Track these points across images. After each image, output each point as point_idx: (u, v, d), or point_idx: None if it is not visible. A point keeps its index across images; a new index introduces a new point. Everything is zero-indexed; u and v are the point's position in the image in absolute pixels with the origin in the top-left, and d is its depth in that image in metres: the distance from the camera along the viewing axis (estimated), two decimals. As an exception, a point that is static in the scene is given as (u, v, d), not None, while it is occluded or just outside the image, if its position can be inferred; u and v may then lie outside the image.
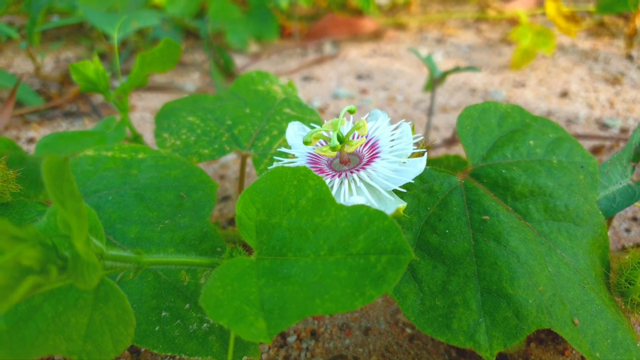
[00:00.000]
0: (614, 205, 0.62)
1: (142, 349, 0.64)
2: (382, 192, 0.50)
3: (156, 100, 1.44)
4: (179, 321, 0.53)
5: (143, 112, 1.37)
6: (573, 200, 0.58)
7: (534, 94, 1.46)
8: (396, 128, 0.58)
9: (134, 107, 1.38)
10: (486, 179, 0.59)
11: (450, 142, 1.12)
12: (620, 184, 0.66)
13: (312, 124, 0.62)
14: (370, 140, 0.57)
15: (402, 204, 0.50)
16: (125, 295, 0.50)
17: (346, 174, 0.53)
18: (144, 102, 1.42)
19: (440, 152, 1.13)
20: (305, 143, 0.54)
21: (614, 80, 1.52)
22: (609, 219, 0.65)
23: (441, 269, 0.52)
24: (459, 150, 1.13)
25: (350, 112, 0.56)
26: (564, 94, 1.44)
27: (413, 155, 0.55)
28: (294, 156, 0.59)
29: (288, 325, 0.41)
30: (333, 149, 0.51)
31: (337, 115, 1.36)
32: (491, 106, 0.66)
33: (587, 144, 1.16)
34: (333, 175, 0.53)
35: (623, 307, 0.58)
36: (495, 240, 0.53)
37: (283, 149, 0.60)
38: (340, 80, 1.60)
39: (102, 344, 0.42)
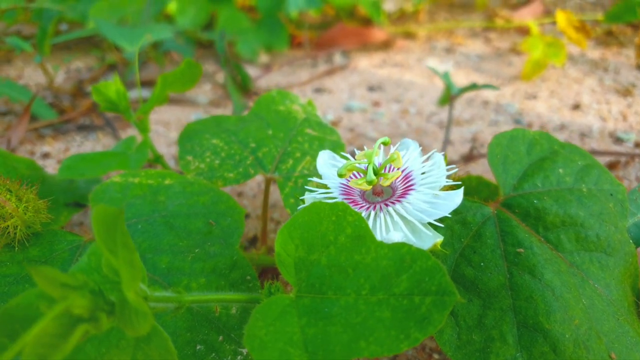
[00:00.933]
0: (643, 233, 0.62)
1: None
2: (419, 227, 0.50)
3: (169, 113, 1.44)
4: (213, 354, 0.53)
5: (156, 125, 1.37)
6: (604, 229, 0.58)
7: (546, 106, 1.46)
8: (428, 158, 0.58)
9: (147, 121, 1.38)
10: (518, 209, 0.59)
11: (467, 158, 1.12)
12: (649, 209, 0.66)
13: (342, 154, 0.62)
14: (403, 171, 0.57)
15: (440, 238, 0.50)
16: (162, 324, 0.50)
17: (381, 207, 0.53)
18: (157, 115, 1.43)
19: (458, 168, 1.13)
20: (340, 176, 0.54)
21: (625, 92, 1.52)
22: None
23: (477, 303, 0.52)
24: (477, 168, 1.13)
25: (385, 144, 0.56)
26: (576, 106, 1.45)
27: (446, 187, 0.55)
28: (325, 186, 0.59)
29: (333, 367, 0.41)
30: (369, 183, 0.51)
31: (352, 130, 1.36)
32: (519, 133, 0.66)
33: (603, 160, 1.16)
34: (367, 208, 0.53)
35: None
36: (530, 273, 0.53)
37: (315, 179, 0.60)
38: (352, 91, 1.60)
39: (146, 384, 0.42)
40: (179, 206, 0.66)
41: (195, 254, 0.61)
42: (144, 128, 0.87)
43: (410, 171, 0.56)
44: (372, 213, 0.52)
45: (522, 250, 0.54)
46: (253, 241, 0.92)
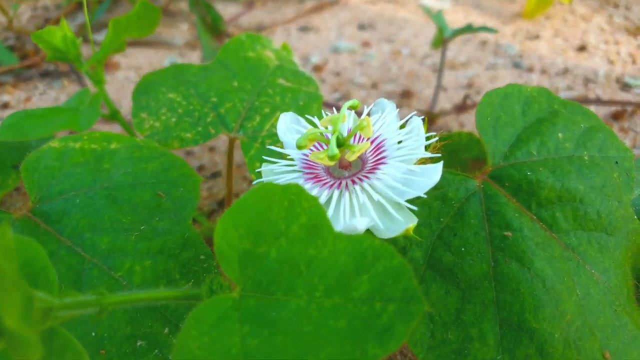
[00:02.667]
0: (650, 207, 0.55)
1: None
2: (389, 209, 0.43)
3: (142, 57, 1.33)
4: (156, 351, 0.47)
5: (127, 70, 1.27)
6: (606, 205, 0.51)
7: (549, 47, 1.35)
8: (405, 122, 0.50)
9: (116, 66, 1.28)
10: (508, 181, 0.51)
11: (460, 108, 1.03)
12: (657, 177, 0.58)
13: (307, 116, 0.53)
14: (375, 139, 0.48)
15: (413, 223, 0.43)
16: (93, 326, 0.44)
17: (347, 184, 0.45)
18: (128, 59, 1.32)
19: (450, 120, 1.04)
20: (299, 147, 0.45)
21: (636, 31, 1.40)
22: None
23: (455, 295, 0.45)
24: (470, 119, 1.04)
25: (353, 107, 0.48)
26: (582, 48, 1.33)
27: (426, 160, 0.47)
28: (286, 156, 0.51)
29: (276, 390, 0.35)
30: (332, 158, 0.43)
31: (338, 74, 1.26)
32: (514, 91, 0.57)
33: (608, 110, 1.07)
34: (332, 185, 0.45)
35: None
36: (518, 260, 0.46)
37: (273, 147, 0.51)
38: (340, 30, 1.47)
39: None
40: (125, 175, 0.58)
41: (141, 232, 0.54)
42: (97, 80, 0.77)
43: (383, 140, 0.48)
44: (336, 193, 0.45)
45: (509, 233, 0.47)
46: (222, 204, 0.85)
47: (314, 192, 0.45)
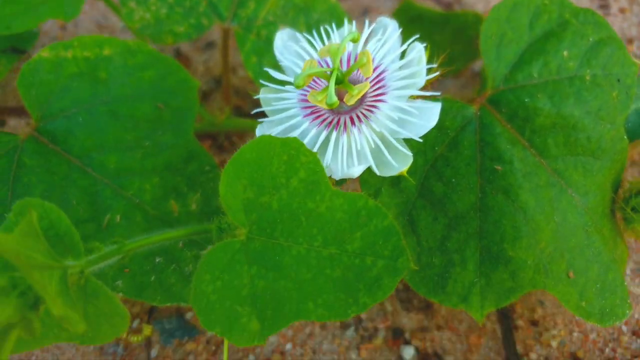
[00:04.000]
0: (642, 123, 0.56)
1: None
2: (387, 155, 0.44)
3: None
4: (174, 265, 0.53)
5: None
6: (598, 130, 0.52)
7: None
8: (407, 47, 0.48)
9: None
10: (505, 107, 0.51)
11: (470, -35, 0.95)
12: (658, 87, 0.58)
13: (304, 35, 0.51)
14: (375, 69, 0.47)
15: (408, 165, 0.45)
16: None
17: (345, 123, 0.46)
18: None
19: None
20: (297, 87, 0.45)
21: None
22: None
23: (442, 222, 0.50)
24: None
25: (354, 41, 0.46)
26: None
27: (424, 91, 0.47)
28: (283, 83, 0.50)
29: (281, 328, 0.41)
30: (330, 105, 0.43)
31: None
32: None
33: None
34: (330, 123, 0.46)
35: (623, 228, 0.57)
36: (505, 193, 0.49)
37: (270, 71, 0.50)
38: None
39: (101, 330, 0.43)
40: (122, 87, 0.58)
41: (146, 149, 0.56)
42: (75, -49, 0.71)
43: (384, 71, 0.47)
44: (334, 134, 0.46)
45: (500, 167, 0.49)
46: (219, 82, 0.84)
47: (313, 132, 0.46)
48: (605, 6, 0.94)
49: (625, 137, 0.54)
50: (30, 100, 0.56)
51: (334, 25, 0.51)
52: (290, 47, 0.51)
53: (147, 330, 0.60)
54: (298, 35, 0.51)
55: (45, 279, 0.34)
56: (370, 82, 0.47)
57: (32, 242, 0.35)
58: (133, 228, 0.54)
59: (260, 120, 0.48)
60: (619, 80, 0.54)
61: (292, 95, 0.48)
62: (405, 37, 0.79)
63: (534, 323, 0.61)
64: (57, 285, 0.35)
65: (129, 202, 0.54)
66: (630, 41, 0.89)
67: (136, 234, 0.53)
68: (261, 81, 0.51)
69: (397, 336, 0.60)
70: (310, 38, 0.50)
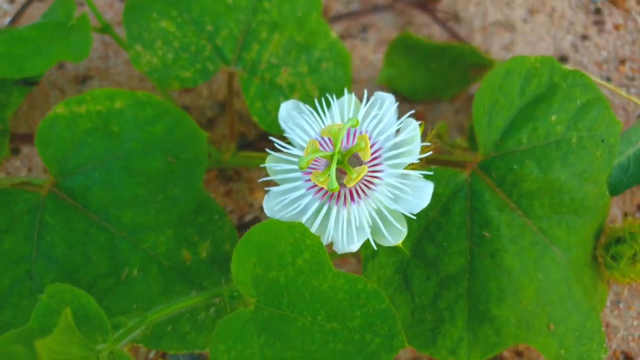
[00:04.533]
0: (624, 178, 0.60)
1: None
2: (386, 236, 0.48)
3: None
4: (187, 315, 0.58)
5: None
6: (582, 190, 0.56)
7: None
8: (400, 123, 0.51)
9: None
10: (495, 173, 0.55)
11: (469, -18, 0.96)
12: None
13: (309, 109, 0.54)
14: (372, 145, 0.51)
15: (401, 240, 0.49)
16: (134, 294, 0.54)
17: (344, 199, 0.50)
18: None
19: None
20: (301, 168, 0.48)
21: None
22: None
23: (434, 281, 0.54)
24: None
25: (353, 126, 0.49)
26: None
27: (414, 167, 0.51)
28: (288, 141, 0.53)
29: (289, 395, 0.46)
30: (331, 190, 0.47)
31: None
32: (517, 64, 0.56)
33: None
34: (331, 197, 0.50)
35: (603, 271, 0.62)
36: (491, 257, 0.53)
37: (276, 141, 0.53)
38: None
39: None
40: (135, 142, 0.61)
41: (159, 203, 0.60)
42: (80, -12, 0.72)
43: (379, 149, 0.50)
44: (335, 209, 0.49)
45: (488, 234, 0.53)
46: (223, 107, 0.87)
47: (316, 204, 0.50)
48: (599, 22, 0.95)
49: (607, 193, 0.58)
50: (48, 157, 0.60)
51: (334, 96, 0.54)
52: (295, 117, 0.54)
53: (163, 364, 0.65)
54: (301, 105, 0.54)
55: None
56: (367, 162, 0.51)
57: (69, 338, 0.40)
58: (149, 280, 0.58)
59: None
60: (603, 140, 0.57)
61: (297, 171, 0.52)
62: (402, 67, 0.81)
63: (519, 354, 0.67)
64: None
65: (145, 255, 0.59)
66: (622, 61, 0.91)
67: (152, 286, 0.58)
68: (267, 149, 0.55)
69: (393, 366, 0.66)
70: (311, 111, 0.53)
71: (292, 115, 0.55)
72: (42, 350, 0.36)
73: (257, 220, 0.77)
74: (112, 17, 0.96)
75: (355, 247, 0.48)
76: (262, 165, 0.55)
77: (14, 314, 0.55)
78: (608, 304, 0.70)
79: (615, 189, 0.61)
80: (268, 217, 0.51)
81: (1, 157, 0.75)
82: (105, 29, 0.75)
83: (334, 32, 0.93)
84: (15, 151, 0.82)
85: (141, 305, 0.57)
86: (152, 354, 0.68)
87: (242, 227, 0.76)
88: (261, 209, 0.78)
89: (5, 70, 0.68)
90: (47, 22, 0.72)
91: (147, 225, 0.59)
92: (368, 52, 0.92)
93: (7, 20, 0.93)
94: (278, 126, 0.65)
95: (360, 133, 0.51)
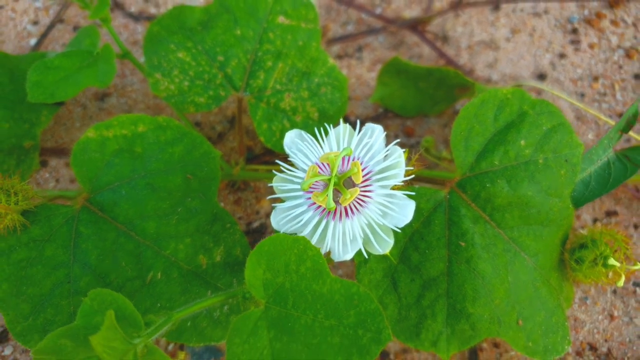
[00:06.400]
0: (586, 193, 0.68)
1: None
2: (375, 246, 0.57)
3: None
4: (205, 312, 0.67)
5: None
6: (547, 204, 0.64)
7: None
8: (388, 150, 0.60)
9: None
10: (470, 190, 0.63)
11: (456, 5, 1.04)
12: (600, 160, 0.70)
13: (310, 137, 0.62)
14: (363, 169, 0.59)
15: (389, 249, 0.57)
16: (158, 295, 0.63)
17: (340, 215, 0.58)
18: None
19: (447, 20, 1.06)
20: (303, 189, 0.57)
21: None
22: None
23: (418, 283, 0.63)
24: (469, 18, 1.05)
25: (348, 154, 0.57)
26: None
27: (400, 187, 0.59)
28: (292, 164, 0.61)
29: (294, 380, 0.55)
30: (329, 209, 0.55)
31: None
32: (491, 96, 0.64)
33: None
34: (329, 213, 0.58)
35: (569, 273, 0.71)
36: (467, 263, 0.62)
37: (281, 163, 0.62)
38: None
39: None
40: (157, 162, 0.69)
41: (179, 214, 0.68)
42: (104, 19, 0.80)
43: (369, 172, 0.59)
44: (332, 223, 0.58)
45: (463, 244, 0.62)
46: (232, 122, 0.95)
47: (315, 220, 0.58)
48: (576, 41, 1.04)
49: (570, 206, 0.67)
50: (81, 175, 0.68)
51: (330, 126, 0.62)
52: (297, 144, 0.63)
53: (182, 355, 0.74)
54: (303, 134, 0.63)
55: (123, 359, 0.47)
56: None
57: (113, 334, 0.48)
58: (171, 282, 0.67)
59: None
60: (566, 161, 0.66)
61: (299, 191, 0.60)
62: (394, 87, 0.89)
63: (496, 345, 0.76)
64: (132, 362, 0.49)
65: (167, 261, 0.67)
66: (596, 78, 0.99)
67: (173, 287, 0.67)
68: (274, 171, 0.63)
69: (384, 357, 0.75)
70: (311, 138, 0.62)
71: (295, 142, 0.63)
72: (95, 345, 0.45)
73: (263, 226, 0.86)
74: (127, 38, 1.04)
75: (349, 256, 0.56)
76: (269, 185, 0.63)
77: (55, 312, 0.64)
78: (576, 300, 0.79)
79: (578, 202, 0.69)
80: (273, 224, 0.60)
81: (32, 170, 0.84)
82: (125, 55, 0.84)
83: (332, 52, 1.03)
84: (44, 163, 0.90)
85: (163, 304, 0.66)
86: (170, 347, 0.76)
87: (250, 233, 0.85)
88: (267, 216, 0.87)
89: (39, 97, 0.76)
90: (75, 51, 0.80)
91: (169, 234, 0.68)
92: (363, 71, 1.01)
93: (32, 41, 1.01)
94: (282, 146, 0.73)
95: (353, 159, 0.59)
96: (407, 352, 0.75)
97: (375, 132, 0.61)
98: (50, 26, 1.02)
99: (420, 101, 0.91)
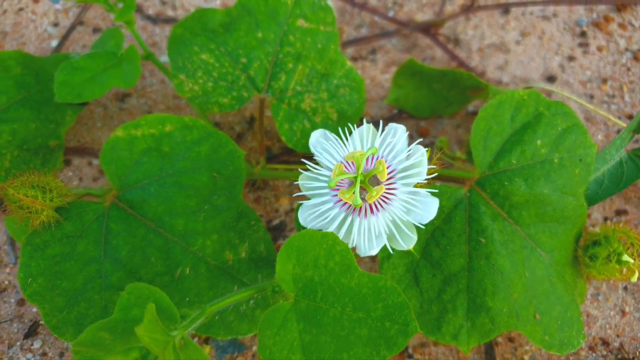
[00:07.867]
0: (599, 191, 0.71)
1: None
2: (398, 238, 0.59)
3: None
4: (232, 306, 0.69)
5: None
6: (562, 202, 0.67)
7: None
8: (410, 150, 0.62)
9: None
10: (489, 188, 0.66)
11: (467, 9, 1.06)
12: (614, 159, 0.72)
13: (334, 136, 0.64)
14: (387, 167, 0.61)
15: (412, 245, 0.60)
16: (186, 290, 0.65)
17: (366, 212, 0.60)
18: None
19: (459, 24, 1.08)
20: (330, 187, 0.59)
21: None
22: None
23: (439, 278, 0.65)
24: (480, 21, 1.07)
25: (373, 153, 0.59)
26: None
27: (422, 186, 0.61)
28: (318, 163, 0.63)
29: (323, 371, 0.57)
30: (356, 206, 0.58)
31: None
32: (507, 97, 0.67)
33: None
34: (354, 210, 0.61)
35: (583, 270, 0.73)
36: (486, 259, 0.64)
37: (306, 162, 0.64)
38: None
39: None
40: (184, 161, 0.71)
41: (206, 212, 0.70)
42: (127, 21, 0.82)
43: (393, 170, 0.61)
44: (358, 220, 0.60)
45: (483, 240, 0.64)
46: (251, 122, 0.97)
47: (341, 217, 0.60)
48: (584, 44, 1.06)
49: (584, 204, 0.69)
50: (111, 173, 0.70)
51: (355, 126, 0.64)
52: (322, 143, 0.65)
53: (206, 349, 0.76)
54: (327, 133, 0.65)
55: (165, 350, 0.50)
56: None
57: (154, 326, 0.50)
58: (199, 277, 0.69)
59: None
60: (581, 160, 0.68)
61: (326, 188, 0.63)
62: (408, 88, 0.92)
63: (511, 340, 0.78)
64: (171, 352, 0.51)
65: (194, 256, 0.69)
66: (604, 80, 1.02)
67: (201, 282, 0.69)
68: (299, 169, 0.65)
69: (403, 351, 0.77)
70: (336, 138, 0.64)
71: (320, 141, 0.65)
72: (141, 335, 0.47)
73: (282, 224, 0.88)
74: (145, 40, 1.06)
75: (375, 251, 0.59)
76: (295, 183, 0.65)
77: (87, 306, 0.66)
78: (589, 296, 0.81)
79: (592, 200, 0.71)
80: (300, 221, 0.62)
81: (56, 169, 0.86)
82: (148, 57, 0.86)
83: (346, 54, 1.05)
84: (67, 162, 0.92)
85: (192, 299, 0.68)
86: (194, 340, 0.78)
87: (270, 230, 0.87)
88: (286, 214, 0.89)
89: (66, 97, 0.78)
90: (100, 52, 0.83)
91: (196, 231, 0.70)
92: (377, 73, 1.03)
93: (53, 42, 1.03)
94: (302, 145, 0.76)
95: (378, 158, 0.61)
96: (424, 346, 0.77)
97: (398, 132, 0.63)
98: (71, 28, 1.04)
99: (434, 102, 0.94)
